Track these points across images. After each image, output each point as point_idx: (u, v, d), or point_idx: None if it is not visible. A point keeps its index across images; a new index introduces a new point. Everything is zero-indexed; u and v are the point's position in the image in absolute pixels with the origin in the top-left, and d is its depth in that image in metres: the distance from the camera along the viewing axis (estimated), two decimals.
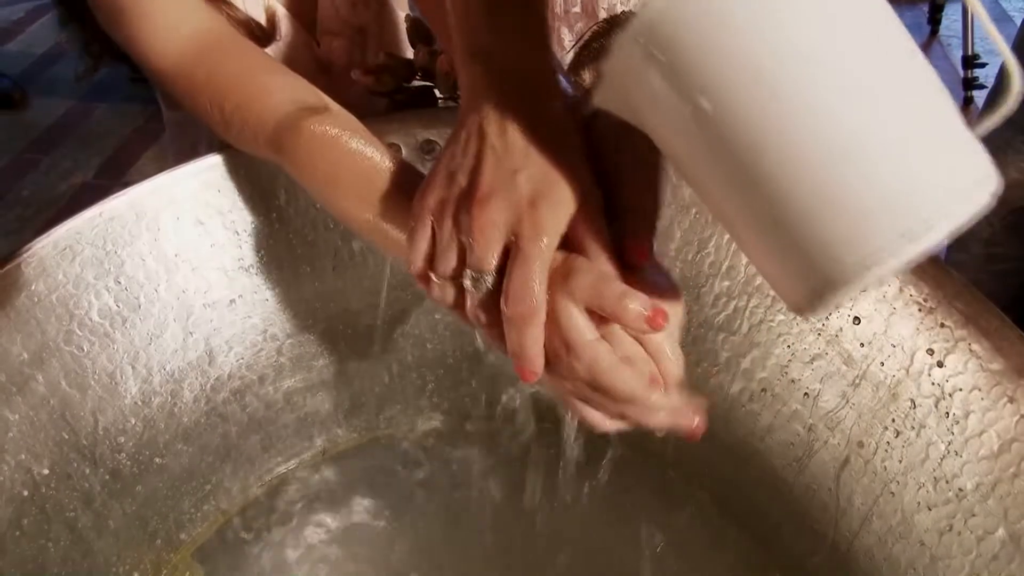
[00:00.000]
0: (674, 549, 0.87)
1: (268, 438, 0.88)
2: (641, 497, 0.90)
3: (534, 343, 0.49)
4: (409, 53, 0.93)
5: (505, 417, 0.90)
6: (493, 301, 0.51)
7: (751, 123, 0.37)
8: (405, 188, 0.59)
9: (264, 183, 0.77)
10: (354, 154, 0.62)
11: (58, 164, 2.65)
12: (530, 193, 0.48)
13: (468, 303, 0.52)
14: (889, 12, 0.38)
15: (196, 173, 0.76)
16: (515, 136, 0.50)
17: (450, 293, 0.54)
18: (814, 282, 0.39)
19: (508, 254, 0.49)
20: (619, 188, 0.51)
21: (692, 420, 0.52)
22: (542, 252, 0.48)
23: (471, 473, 0.92)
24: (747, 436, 0.81)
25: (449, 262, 0.52)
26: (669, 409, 0.51)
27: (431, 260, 0.53)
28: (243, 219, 0.78)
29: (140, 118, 2.84)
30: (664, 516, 0.89)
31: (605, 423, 0.53)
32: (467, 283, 0.51)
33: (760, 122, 0.37)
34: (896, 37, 0.38)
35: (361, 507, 0.91)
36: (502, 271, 0.50)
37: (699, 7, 0.37)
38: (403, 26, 0.97)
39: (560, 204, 0.49)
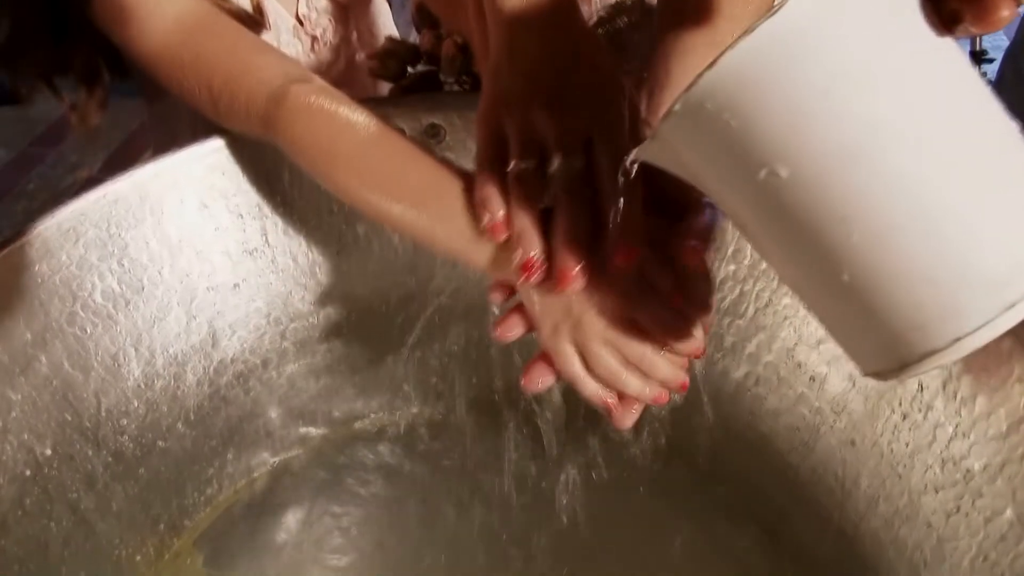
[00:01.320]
0: (678, 538, 0.87)
1: (271, 423, 0.88)
2: (644, 487, 0.89)
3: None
4: (394, 31, 0.93)
5: (515, 406, 0.90)
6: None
7: (836, 192, 0.34)
8: (408, 160, 0.59)
9: (269, 166, 0.77)
10: (353, 126, 0.61)
11: (64, 158, 2.64)
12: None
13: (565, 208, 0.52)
14: (976, 76, 0.36)
15: (201, 156, 0.75)
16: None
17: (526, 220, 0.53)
18: (901, 354, 0.36)
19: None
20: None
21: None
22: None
23: (478, 462, 0.92)
24: (753, 421, 0.81)
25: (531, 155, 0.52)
26: None
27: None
28: (247, 202, 0.78)
29: (146, 113, 2.83)
30: (668, 506, 0.89)
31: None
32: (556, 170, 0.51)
33: (848, 192, 0.34)
34: (989, 100, 0.35)
35: (366, 494, 0.90)
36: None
37: (782, 67, 0.34)
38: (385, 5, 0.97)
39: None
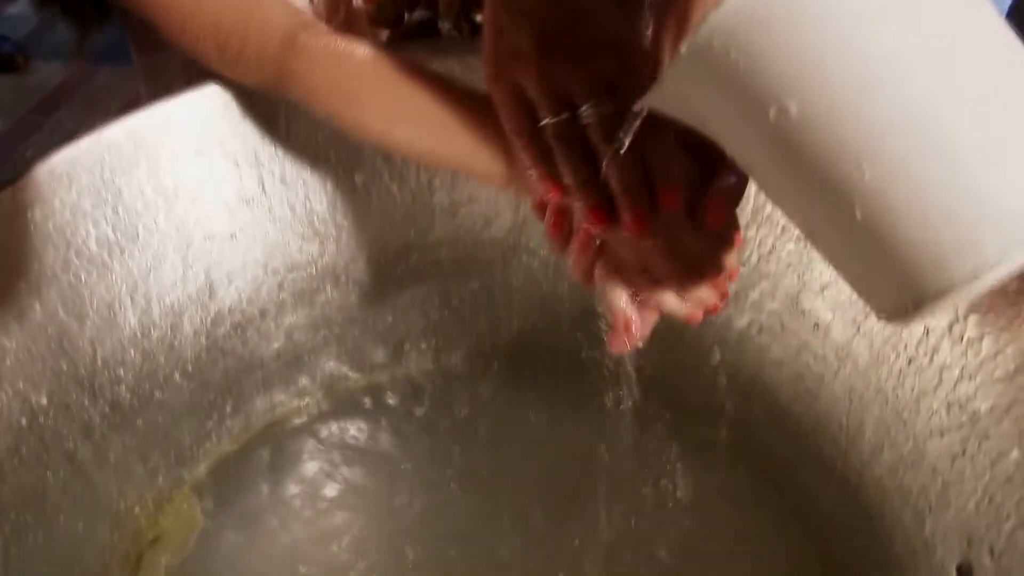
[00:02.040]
0: (678, 489, 0.86)
1: (270, 375, 0.87)
2: (644, 438, 0.88)
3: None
4: None
5: (516, 358, 0.89)
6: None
7: (850, 128, 0.34)
8: (435, 94, 0.58)
9: (265, 113, 0.76)
10: (374, 66, 0.59)
11: (61, 126, 2.62)
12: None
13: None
14: (992, 6, 0.35)
15: (195, 102, 0.74)
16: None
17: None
18: (915, 292, 0.35)
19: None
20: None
21: None
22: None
23: (478, 414, 0.91)
24: (756, 371, 0.80)
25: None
26: None
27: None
28: (243, 150, 0.77)
29: (138, 68, 2.81)
30: (671, 459, 0.88)
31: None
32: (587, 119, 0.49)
33: (862, 127, 0.33)
34: (1007, 32, 0.34)
35: (366, 447, 0.90)
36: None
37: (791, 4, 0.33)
38: None
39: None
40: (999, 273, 0.33)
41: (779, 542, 0.82)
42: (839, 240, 0.38)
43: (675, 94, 0.39)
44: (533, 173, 0.52)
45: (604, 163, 0.49)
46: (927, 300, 0.35)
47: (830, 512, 0.78)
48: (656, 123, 0.45)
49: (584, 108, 0.49)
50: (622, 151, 0.48)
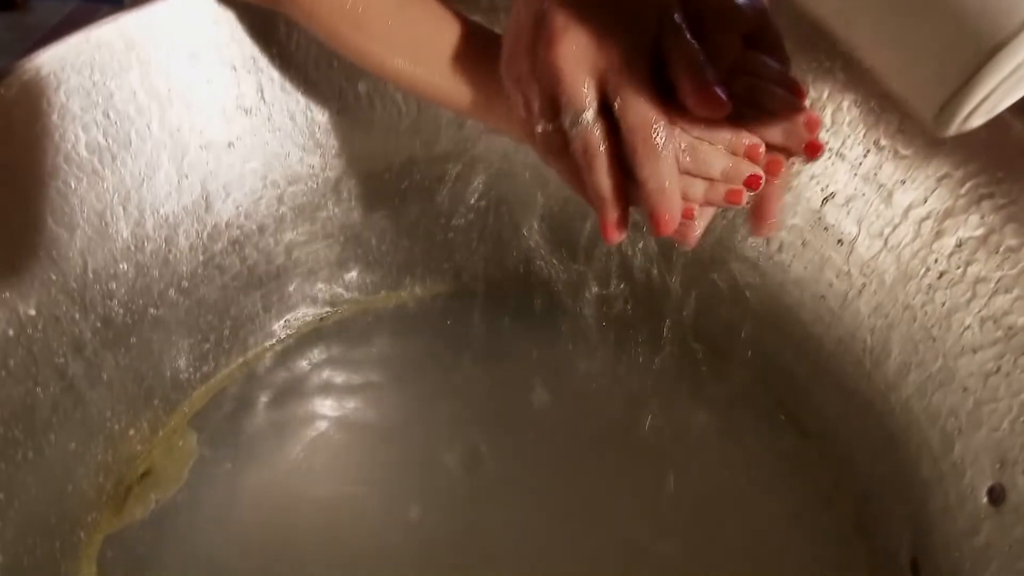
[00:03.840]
0: (693, 421, 0.83)
1: (269, 295, 0.84)
2: (657, 368, 0.86)
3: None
4: None
5: (525, 281, 0.86)
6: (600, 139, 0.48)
7: None
8: (438, 23, 0.55)
9: (263, 15, 0.72)
10: None
11: None
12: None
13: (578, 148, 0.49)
14: None
15: (191, 3, 0.70)
16: None
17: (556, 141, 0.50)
18: (966, 56, 0.32)
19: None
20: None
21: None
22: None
23: (485, 340, 0.88)
24: (776, 291, 0.77)
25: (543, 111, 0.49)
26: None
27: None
28: (241, 54, 0.73)
29: None
30: (682, 387, 0.85)
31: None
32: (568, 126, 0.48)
33: None
34: None
35: (369, 374, 0.87)
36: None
37: None
38: None
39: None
40: None
41: (797, 471, 0.79)
42: (883, 23, 0.35)
43: None
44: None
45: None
46: (980, 64, 0.32)
47: (852, 439, 0.75)
48: None
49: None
50: None
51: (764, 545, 0.75)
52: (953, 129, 0.35)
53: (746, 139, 0.48)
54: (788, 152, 0.49)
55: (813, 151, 0.49)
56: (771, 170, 0.49)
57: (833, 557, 0.75)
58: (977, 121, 0.34)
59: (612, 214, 0.50)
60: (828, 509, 0.77)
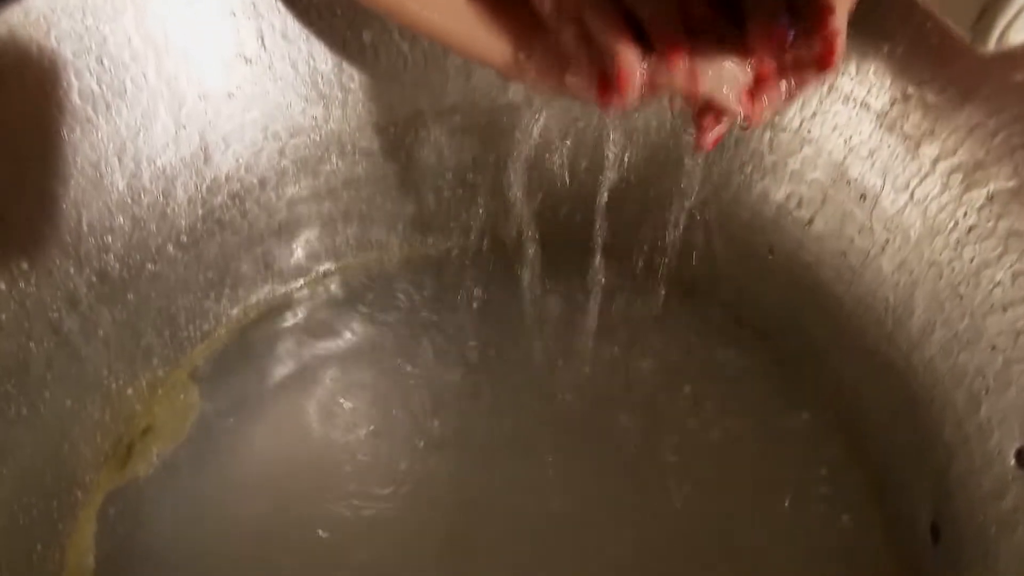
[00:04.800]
0: (709, 386, 0.81)
1: (270, 252, 0.82)
2: (664, 328, 0.83)
3: None
4: None
5: (533, 238, 0.83)
6: None
7: None
8: None
9: None
10: None
11: None
12: None
13: None
14: None
15: None
16: None
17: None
18: None
19: None
20: None
21: None
22: None
23: (490, 300, 0.86)
24: (794, 249, 0.74)
25: None
26: None
27: None
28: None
29: None
30: (696, 351, 0.83)
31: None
32: None
33: None
34: None
35: (373, 333, 0.84)
36: None
37: None
38: None
39: None
40: None
41: (812, 435, 0.77)
42: None
43: None
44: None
45: None
46: None
47: (870, 401, 0.73)
48: None
49: None
50: None
51: (775, 511, 0.73)
52: (992, 42, 0.32)
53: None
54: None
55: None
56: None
57: (848, 524, 0.73)
58: (1018, 35, 0.31)
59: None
60: (843, 474, 0.75)
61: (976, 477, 0.61)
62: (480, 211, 0.84)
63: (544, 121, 0.73)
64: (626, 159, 0.71)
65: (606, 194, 0.73)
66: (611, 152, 0.68)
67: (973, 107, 0.60)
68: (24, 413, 0.64)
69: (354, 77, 0.76)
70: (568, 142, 0.80)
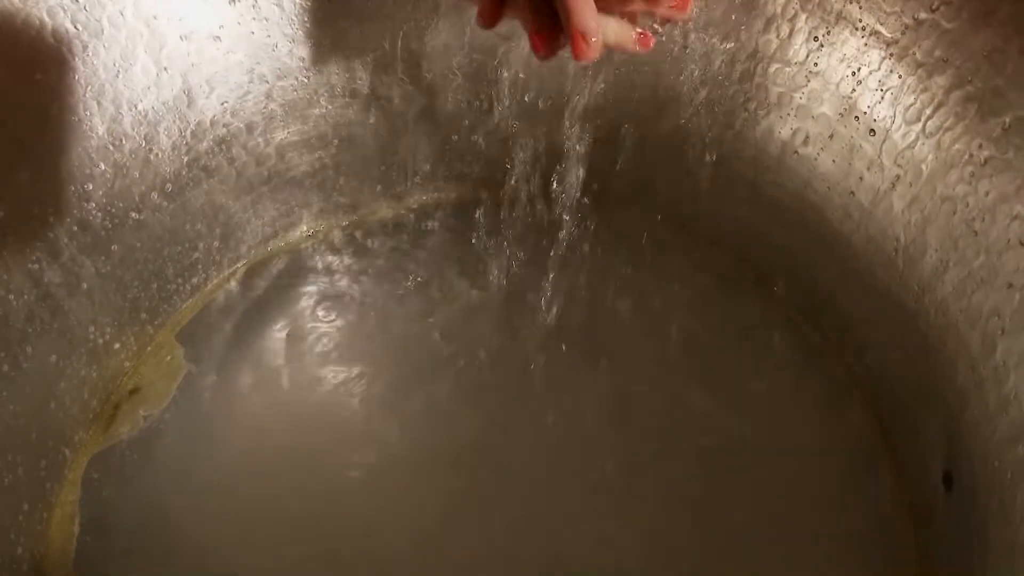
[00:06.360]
0: (717, 333, 0.78)
1: (259, 201, 0.79)
2: (667, 268, 0.81)
3: None
4: None
5: (528, 184, 0.81)
6: None
7: None
8: None
9: None
10: None
11: None
12: None
13: None
14: None
15: None
16: None
17: None
18: None
19: None
20: None
21: None
22: None
23: (490, 257, 0.83)
24: (800, 188, 0.72)
25: None
26: None
27: None
28: None
29: None
30: (704, 296, 0.81)
31: None
32: None
33: None
34: None
35: (362, 287, 0.82)
36: None
37: None
38: None
39: None
40: None
41: (820, 381, 0.75)
42: None
43: None
44: None
45: None
46: None
47: (880, 345, 0.71)
48: None
49: None
50: None
51: (784, 460, 0.71)
52: None
53: None
54: None
55: None
56: None
57: (858, 473, 0.71)
58: None
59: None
60: (853, 422, 0.73)
61: (991, 422, 0.58)
62: (478, 159, 0.82)
63: (527, 57, 0.71)
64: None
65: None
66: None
67: (991, 31, 0.57)
68: (5, 369, 0.62)
69: (343, 14, 0.73)
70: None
